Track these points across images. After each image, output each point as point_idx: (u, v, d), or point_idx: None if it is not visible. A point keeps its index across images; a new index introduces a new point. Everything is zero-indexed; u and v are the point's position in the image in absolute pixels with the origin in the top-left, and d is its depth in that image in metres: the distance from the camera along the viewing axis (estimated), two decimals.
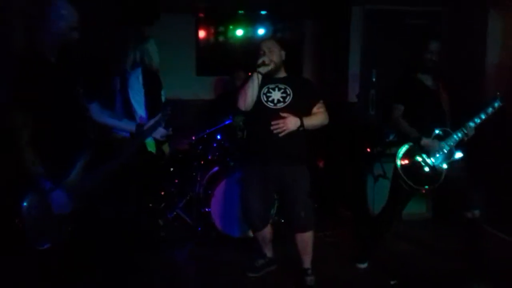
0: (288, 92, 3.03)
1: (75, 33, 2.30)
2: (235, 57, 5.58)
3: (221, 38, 5.75)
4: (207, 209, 3.95)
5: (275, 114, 2.96)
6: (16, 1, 3.13)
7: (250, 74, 3.00)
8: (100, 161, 2.41)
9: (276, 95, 3.03)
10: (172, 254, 3.69)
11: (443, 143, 3.15)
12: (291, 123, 2.94)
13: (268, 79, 3.06)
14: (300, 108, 3.02)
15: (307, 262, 3.11)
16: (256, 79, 2.96)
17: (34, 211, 2.15)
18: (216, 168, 4.26)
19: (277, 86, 3.06)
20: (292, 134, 2.96)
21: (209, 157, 4.41)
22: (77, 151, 2.31)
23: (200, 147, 4.46)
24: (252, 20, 5.74)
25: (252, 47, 5.63)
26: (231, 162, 4.20)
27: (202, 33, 5.66)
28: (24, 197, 2.14)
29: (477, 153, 3.36)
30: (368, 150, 4.74)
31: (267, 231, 3.28)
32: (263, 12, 5.71)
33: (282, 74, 3.15)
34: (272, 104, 3.00)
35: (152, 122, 2.89)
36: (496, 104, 3.11)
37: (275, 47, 3.09)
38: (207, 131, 4.31)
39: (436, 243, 3.84)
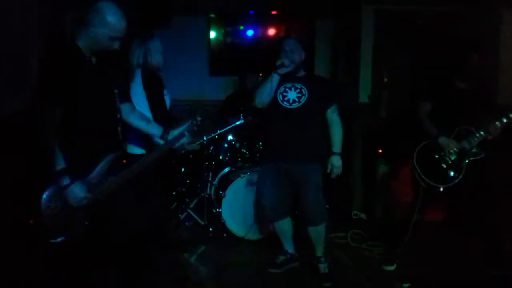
0: (304, 92, 3.10)
1: (116, 44, 2.23)
2: (247, 57, 5.60)
3: (232, 39, 5.77)
4: (218, 210, 3.96)
5: (290, 113, 3.08)
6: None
7: (260, 74, 2.97)
8: (126, 165, 2.36)
9: (292, 94, 3.11)
10: (183, 254, 3.69)
11: (464, 142, 3.12)
12: (339, 163, 3.13)
13: (286, 78, 3.11)
14: (314, 109, 3.11)
15: (319, 250, 3.21)
16: (274, 80, 3.04)
17: (52, 204, 2.16)
18: (227, 169, 4.28)
19: (293, 86, 3.13)
20: (307, 133, 3.09)
21: (220, 158, 4.43)
22: (105, 150, 2.27)
23: (212, 147, 4.48)
24: (263, 20, 5.75)
25: (263, 46, 5.70)
26: (241, 162, 4.21)
27: (213, 34, 5.68)
28: (44, 190, 2.15)
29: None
30: (380, 151, 4.74)
31: (285, 225, 3.34)
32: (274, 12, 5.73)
33: (300, 73, 3.21)
34: (287, 104, 3.09)
35: (179, 131, 2.64)
36: None
37: (297, 47, 3.13)
38: (218, 131, 4.32)
39: (450, 248, 3.78)
